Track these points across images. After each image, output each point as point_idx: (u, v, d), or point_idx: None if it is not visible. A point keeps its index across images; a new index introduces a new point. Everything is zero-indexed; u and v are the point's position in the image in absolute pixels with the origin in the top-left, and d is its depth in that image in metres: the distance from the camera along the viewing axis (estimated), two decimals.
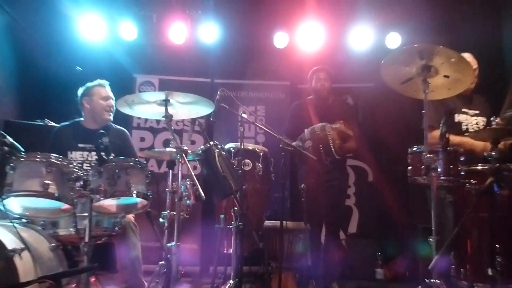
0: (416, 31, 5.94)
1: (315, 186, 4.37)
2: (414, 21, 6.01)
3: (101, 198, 2.88)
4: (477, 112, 4.07)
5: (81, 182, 2.88)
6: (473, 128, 4.00)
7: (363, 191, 6.17)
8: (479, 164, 3.44)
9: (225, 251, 4.10)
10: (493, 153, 3.26)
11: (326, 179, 4.39)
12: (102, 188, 2.87)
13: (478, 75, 4.10)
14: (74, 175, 2.87)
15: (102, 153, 2.91)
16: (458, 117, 4.02)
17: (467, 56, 4.00)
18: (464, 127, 3.99)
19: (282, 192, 3.97)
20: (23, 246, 2.57)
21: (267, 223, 4.30)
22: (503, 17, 4.98)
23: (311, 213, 4.41)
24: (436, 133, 3.82)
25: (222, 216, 3.94)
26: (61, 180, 2.80)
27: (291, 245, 4.33)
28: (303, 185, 4.32)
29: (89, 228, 2.82)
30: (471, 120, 4.05)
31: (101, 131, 2.99)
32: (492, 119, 3.51)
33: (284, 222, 3.98)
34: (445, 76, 3.29)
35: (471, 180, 3.41)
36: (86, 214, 2.87)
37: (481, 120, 4.05)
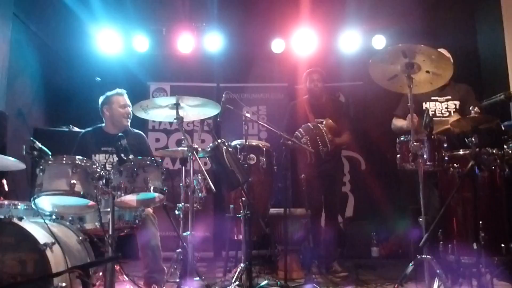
0: (399, 33, 5.90)
1: (313, 176, 4.35)
2: (397, 24, 5.96)
3: (122, 194, 2.86)
4: (448, 97, 4.03)
5: (104, 181, 2.86)
6: (441, 113, 3.98)
7: (357, 179, 6.13)
8: (461, 149, 3.41)
9: (235, 238, 4.11)
10: (473, 139, 3.23)
11: (323, 169, 4.37)
12: (123, 185, 2.84)
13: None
14: (97, 174, 2.84)
15: (122, 154, 2.89)
16: (425, 105, 3.98)
17: (443, 51, 3.97)
18: (431, 113, 3.90)
19: (284, 182, 3.96)
20: (53, 240, 2.55)
21: (272, 210, 4.29)
22: (477, 20, 4.94)
23: (311, 200, 4.40)
24: (398, 121, 3.98)
25: (231, 206, 3.95)
26: (85, 180, 2.78)
27: (294, 230, 4.31)
28: (303, 175, 4.32)
29: (112, 221, 2.80)
30: (440, 106, 4.01)
31: (120, 134, 2.96)
32: (471, 108, 3.47)
33: (287, 209, 3.98)
34: (427, 72, 3.26)
35: (454, 164, 3.38)
36: (109, 209, 2.85)
37: (452, 104, 4.00)
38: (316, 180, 4.39)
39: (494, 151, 3.35)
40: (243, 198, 3.48)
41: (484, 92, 4.64)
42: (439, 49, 3.71)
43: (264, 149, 4.10)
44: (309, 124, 4.26)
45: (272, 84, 6.39)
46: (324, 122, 4.25)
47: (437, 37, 5.49)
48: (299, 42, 6.06)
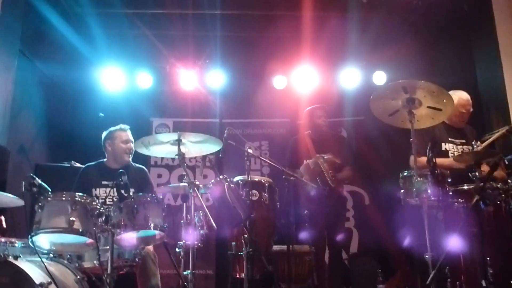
0: (399, 70, 6.00)
1: (316, 212, 4.28)
2: (397, 61, 6.07)
3: (122, 231, 2.80)
4: (463, 141, 4.04)
5: (103, 218, 2.81)
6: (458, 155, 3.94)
7: (361, 214, 6.05)
8: (465, 184, 3.36)
9: (237, 276, 4.00)
10: (477, 173, 3.20)
11: (325, 204, 4.30)
12: (123, 223, 2.80)
13: (477, 98, 4.14)
14: (97, 211, 2.80)
15: (122, 190, 2.86)
16: (444, 146, 3.99)
17: (465, 96, 4.08)
18: (450, 155, 3.94)
19: (287, 218, 3.89)
20: (49, 280, 2.48)
21: (275, 247, 4.19)
22: (476, 57, 5.00)
23: (315, 236, 4.32)
24: (421, 159, 3.81)
25: (233, 243, 3.85)
26: (85, 217, 2.73)
27: (298, 267, 4.20)
28: (306, 211, 4.24)
29: (111, 260, 2.74)
30: (457, 148, 4.01)
31: (121, 170, 2.94)
32: (473, 143, 3.46)
33: (291, 246, 3.90)
34: (429, 107, 3.26)
35: (459, 199, 3.34)
36: (108, 247, 2.79)
37: (467, 149, 3.99)
38: (319, 216, 4.32)
39: (498, 185, 3.31)
40: (245, 235, 3.42)
41: (485, 127, 4.65)
42: (458, 91, 3.81)
43: (266, 184, 4.04)
44: (308, 162, 4.23)
45: (274, 120, 6.41)
46: (325, 157, 4.22)
47: (437, 74, 5.53)
48: (301, 78, 6.13)
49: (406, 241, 4.99)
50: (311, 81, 6.11)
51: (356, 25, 5.59)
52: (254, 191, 3.92)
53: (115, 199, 2.97)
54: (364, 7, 5.43)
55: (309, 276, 4.32)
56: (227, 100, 6.29)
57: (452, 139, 4.03)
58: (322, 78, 6.16)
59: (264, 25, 5.72)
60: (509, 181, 3.35)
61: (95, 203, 2.83)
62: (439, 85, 3.24)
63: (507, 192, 3.33)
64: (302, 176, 4.10)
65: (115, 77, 5.97)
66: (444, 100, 3.23)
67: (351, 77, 6.16)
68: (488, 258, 3.08)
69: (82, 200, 2.77)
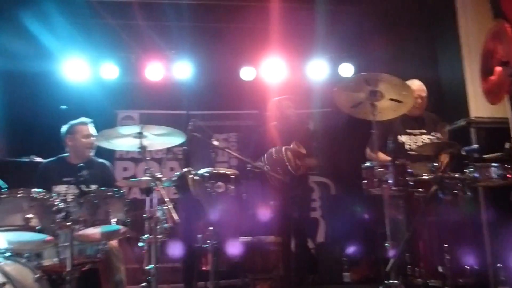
0: (365, 62, 6.07)
1: (282, 202, 4.30)
2: (364, 53, 6.15)
3: (82, 227, 2.74)
4: (423, 131, 4.08)
5: (63, 214, 2.74)
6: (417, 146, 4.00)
7: (327, 204, 6.13)
8: (425, 174, 3.44)
9: (203, 268, 3.99)
10: (436, 164, 3.28)
11: (291, 195, 4.33)
12: (83, 218, 2.73)
13: (427, 98, 4.17)
14: (56, 208, 2.72)
15: (82, 185, 2.79)
16: (400, 138, 4.02)
17: (417, 83, 4.10)
18: (407, 147, 4.00)
19: (253, 210, 3.90)
20: (5, 280, 2.41)
21: (242, 239, 4.20)
22: (438, 50, 5.11)
23: (281, 226, 4.34)
24: (376, 155, 3.88)
25: (199, 236, 3.84)
26: (43, 213, 2.65)
27: (264, 258, 4.23)
28: (271, 202, 4.26)
29: (70, 257, 2.67)
30: (416, 139, 4.05)
31: (80, 165, 2.87)
32: (433, 134, 3.54)
33: (257, 237, 3.91)
34: (391, 99, 3.31)
35: (419, 189, 3.41)
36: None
37: (427, 138, 4.04)
38: (285, 206, 4.34)
39: (456, 175, 3.41)
40: (211, 228, 3.41)
41: (446, 118, 4.75)
42: (412, 80, 3.85)
43: (232, 176, 4.02)
44: (272, 151, 4.23)
45: (243, 111, 6.40)
46: (290, 146, 4.23)
47: (402, 66, 5.62)
48: (269, 70, 6.12)
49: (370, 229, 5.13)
50: (280, 72, 6.11)
51: (324, 17, 5.60)
52: (219, 183, 3.89)
53: (75, 197, 2.88)
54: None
55: (276, 266, 4.35)
56: (195, 91, 6.20)
57: (410, 130, 4.07)
58: (291, 70, 6.17)
59: (232, 15, 5.67)
60: (466, 171, 3.46)
61: (53, 199, 2.75)
62: (401, 78, 3.31)
63: (464, 182, 3.44)
64: (264, 166, 4.10)
65: (78, 68, 5.80)
66: (405, 93, 3.30)
67: (319, 69, 6.20)
68: (445, 245, 3.20)
69: (40, 197, 2.68)
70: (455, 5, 4.74)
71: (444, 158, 3.57)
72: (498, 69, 3.44)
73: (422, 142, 4.02)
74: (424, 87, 4.14)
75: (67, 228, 2.71)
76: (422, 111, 4.16)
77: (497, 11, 4.27)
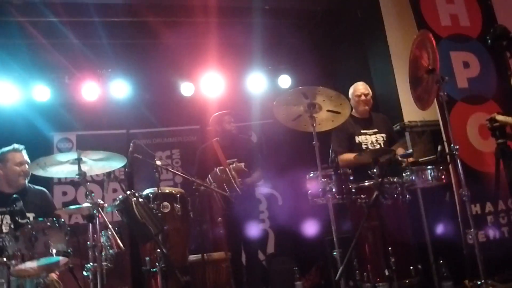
0: (303, 73, 6.23)
1: (229, 217, 4.30)
2: (300, 65, 6.31)
3: (19, 262, 2.58)
4: (375, 130, 4.23)
5: None
6: (373, 145, 4.15)
7: (275, 215, 6.17)
8: (366, 181, 3.57)
9: None
10: (375, 170, 3.42)
11: (237, 209, 4.33)
12: (20, 253, 2.58)
13: (373, 98, 4.36)
14: None
15: (17, 217, 2.64)
16: (358, 139, 4.15)
17: (361, 84, 4.29)
18: (364, 146, 4.12)
19: (200, 227, 3.86)
20: None
21: (192, 257, 4.13)
22: (370, 60, 5.34)
23: (230, 242, 4.33)
24: (344, 156, 4.00)
25: (147, 258, 3.74)
26: None
27: (215, 275, 4.18)
28: (219, 218, 4.25)
29: None
30: (370, 138, 4.18)
31: (14, 195, 2.72)
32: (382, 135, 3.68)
33: (206, 254, 3.87)
34: (328, 111, 3.42)
35: (361, 195, 3.53)
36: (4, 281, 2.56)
37: (380, 136, 4.20)
38: (233, 222, 4.34)
39: (395, 180, 3.57)
40: (158, 250, 3.33)
41: None
42: (357, 83, 4.12)
43: (178, 195, 3.97)
44: (216, 170, 4.22)
45: (184, 127, 6.33)
46: (233, 165, 4.24)
47: (337, 77, 5.86)
48: (208, 85, 6.12)
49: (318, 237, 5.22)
50: (218, 87, 6.12)
51: (260, 31, 5.68)
52: (165, 203, 3.84)
53: (9, 229, 2.71)
54: (266, 13, 5.56)
55: (227, 282, 4.32)
56: (134, 109, 6.07)
57: (365, 131, 4.20)
58: (229, 84, 6.20)
59: (167, 31, 5.60)
60: (403, 175, 3.64)
61: None
62: (336, 89, 3.43)
63: (403, 186, 3.61)
64: (210, 184, 4.09)
65: (7, 91, 5.47)
66: (341, 104, 3.42)
67: (257, 82, 6.28)
68: (390, 248, 3.32)
69: None
70: (382, 17, 4.99)
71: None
72: (425, 76, 3.64)
73: (377, 140, 4.17)
74: (367, 87, 4.32)
75: (2, 265, 2.54)
76: (371, 109, 4.32)
77: (420, 21, 4.55)
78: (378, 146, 4.12)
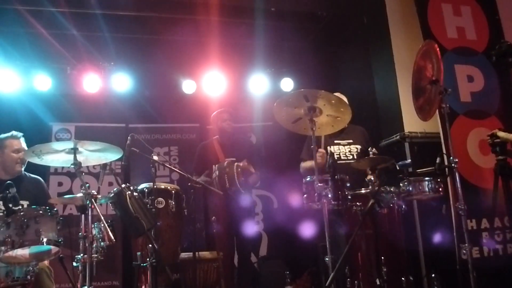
0: (305, 77, 6.24)
1: (224, 217, 4.29)
2: (303, 68, 6.32)
3: (8, 249, 2.58)
4: (350, 141, 4.21)
5: None
6: (345, 156, 4.14)
7: (270, 217, 6.17)
8: (363, 188, 3.57)
9: (143, 287, 3.87)
10: (372, 178, 3.41)
11: (233, 209, 4.33)
12: (10, 239, 2.58)
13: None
14: None
15: (10, 204, 2.63)
16: (330, 149, 4.11)
17: (339, 94, 4.21)
18: (336, 156, 4.10)
19: (193, 225, 3.85)
20: None
21: (183, 255, 4.13)
22: (373, 67, 5.33)
23: (223, 241, 4.32)
24: (306, 163, 4.10)
25: (138, 253, 3.73)
26: None
27: (205, 274, 4.17)
28: (213, 217, 4.24)
29: None
30: (343, 149, 4.18)
31: (8, 182, 2.72)
32: (369, 149, 3.67)
33: (197, 253, 3.87)
34: (328, 115, 3.41)
35: (357, 203, 3.51)
36: None
37: (354, 148, 4.18)
38: (227, 221, 4.33)
39: (392, 189, 3.56)
40: (149, 245, 3.32)
41: (382, 133, 4.97)
42: (335, 93, 3.96)
43: (173, 192, 3.97)
44: (224, 161, 4.23)
45: (184, 125, 6.33)
46: (241, 164, 4.23)
47: (340, 82, 5.86)
48: (210, 84, 6.12)
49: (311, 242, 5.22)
50: (220, 86, 6.12)
51: (264, 33, 5.70)
52: (160, 199, 3.84)
53: (1, 215, 2.71)
54: (272, 15, 5.56)
55: (217, 282, 4.31)
56: (134, 104, 6.09)
57: (338, 141, 4.19)
58: (231, 84, 6.20)
59: (172, 28, 5.62)
60: (400, 185, 3.63)
61: None
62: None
63: (399, 195, 3.60)
64: (213, 172, 4.08)
65: (8, 79, 5.48)
66: (342, 109, 3.41)
67: (259, 83, 6.28)
68: (382, 258, 3.31)
69: None
70: (388, 25, 4.99)
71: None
72: (429, 87, 3.63)
73: (350, 151, 4.16)
74: (345, 98, 4.27)
75: None
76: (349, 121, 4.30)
77: (426, 32, 4.55)
78: (351, 157, 4.13)
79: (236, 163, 4.21)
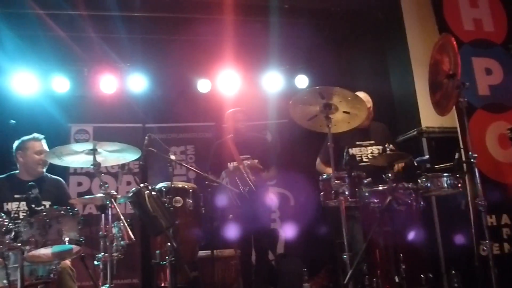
0: (320, 74, 6.22)
1: (241, 215, 4.32)
2: (318, 65, 6.30)
3: (33, 248, 2.65)
4: (372, 142, 4.17)
5: (12, 234, 2.64)
6: (367, 158, 4.09)
7: (287, 215, 6.18)
8: (380, 185, 3.55)
9: (162, 285, 3.93)
10: (390, 175, 3.39)
11: (250, 207, 4.35)
12: (33, 239, 2.65)
13: (373, 110, 4.27)
14: (4, 228, 2.63)
15: (32, 204, 2.70)
16: (351, 151, 4.07)
17: (362, 94, 4.17)
18: (358, 158, 4.09)
19: (211, 223, 3.90)
20: None
21: (201, 253, 4.19)
22: (389, 63, 5.29)
23: (240, 239, 4.35)
24: (321, 166, 4.18)
25: (157, 251, 3.79)
26: None
27: (224, 272, 4.23)
28: (230, 215, 4.27)
29: (20, 279, 2.58)
30: (365, 151, 4.14)
31: (31, 183, 2.80)
32: (386, 146, 3.65)
33: (215, 251, 3.91)
34: (344, 112, 3.40)
35: (374, 200, 3.50)
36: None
37: (376, 149, 4.13)
38: (244, 219, 4.36)
39: (409, 186, 3.53)
40: (168, 244, 3.38)
41: (399, 128, 4.94)
42: (357, 92, 3.94)
43: (190, 190, 4.02)
44: (230, 166, 4.26)
45: (199, 124, 6.39)
46: (248, 162, 4.26)
47: (355, 78, 5.83)
48: (225, 82, 6.16)
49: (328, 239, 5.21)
50: (235, 85, 6.16)
51: (278, 30, 5.69)
52: (177, 198, 3.89)
53: (25, 216, 2.79)
54: (285, 12, 5.56)
55: (235, 280, 4.35)
56: (150, 104, 6.16)
57: (360, 142, 4.15)
58: (246, 82, 6.23)
59: (186, 28, 5.67)
60: (418, 181, 3.60)
61: (1, 218, 2.65)
62: (353, 91, 3.41)
63: (417, 192, 3.57)
64: (223, 179, 4.12)
65: (27, 82, 5.60)
66: (358, 106, 3.39)
67: (274, 81, 6.30)
68: (401, 255, 3.29)
69: None
70: (403, 20, 4.95)
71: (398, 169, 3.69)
72: (446, 81, 3.60)
73: (372, 153, 4.13)
74: (369, 98, 4.23)
75: (17, 249, 2.61)
76: (370, 122, 4.26)
77: (442, 25, 4.50)
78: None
79: (241, 165, 4.24)
